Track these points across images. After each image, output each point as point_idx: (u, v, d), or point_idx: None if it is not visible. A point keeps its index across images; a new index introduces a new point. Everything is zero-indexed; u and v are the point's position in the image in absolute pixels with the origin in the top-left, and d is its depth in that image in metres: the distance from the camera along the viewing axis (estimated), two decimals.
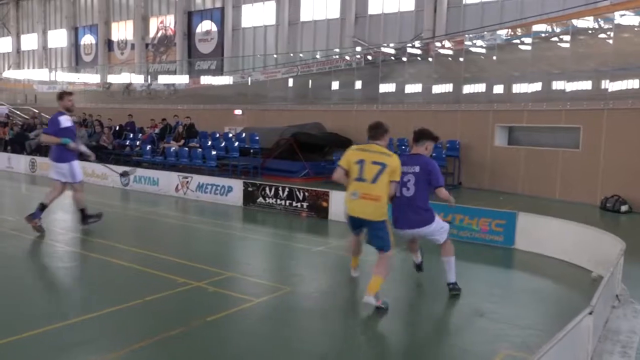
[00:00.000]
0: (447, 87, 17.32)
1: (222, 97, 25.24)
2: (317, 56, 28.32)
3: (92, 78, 40.14)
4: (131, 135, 20.29)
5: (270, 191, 10.69)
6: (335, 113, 19.47)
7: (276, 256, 7.67)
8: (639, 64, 12.91)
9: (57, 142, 7.79)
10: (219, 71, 35.80)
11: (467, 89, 16.60)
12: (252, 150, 16.76)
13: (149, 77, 37.28)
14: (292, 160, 16.79)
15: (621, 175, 12.10)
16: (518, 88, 15.35)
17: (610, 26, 13.69)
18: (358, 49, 27.06)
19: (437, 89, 17.51)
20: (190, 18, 39.71)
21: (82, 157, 8.30)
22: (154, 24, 41.69)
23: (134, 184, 13.06)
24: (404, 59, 20.07)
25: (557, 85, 14.47)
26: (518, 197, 13.44)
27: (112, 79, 37.33)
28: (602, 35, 14.17)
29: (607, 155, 12.47)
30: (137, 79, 37.57)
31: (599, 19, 14.42)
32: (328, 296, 5.67)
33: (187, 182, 12.11)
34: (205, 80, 32.67)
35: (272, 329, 4.68)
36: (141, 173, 13.11)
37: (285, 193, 10.47)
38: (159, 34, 41.92)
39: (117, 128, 21.17)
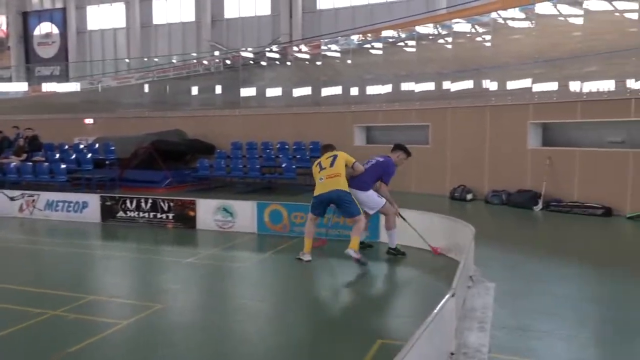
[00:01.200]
0: (307, 90, 17.77)
1: (69, 106, 23.24)
2: (174, 60, 27.33)
3: None
4: None
5: (131, 204, 10.06)
6: (196, 119, 18.97)
7: (143, 272, 7.22)
8: (474, 67, 14.38)
9: None
10: (64, 77, 32.98)
11: (326, 91, 17.19)
12: (107, 162, 15.64)
13: None
14: (153, 170, 16.00)
15: (465, 167, 13.39)
16: (372, 90, 16.26)
17: (449, 32, 15.06)
18: (216, 53, 26.67)
19: (297, 92, 17.88)
20: (26, 19, 36.07)
21: None
22: None
23: None
24: (263, 63, 20.18)
25: (407, 86, 15.58)
26: None
27: None
28: (442, 41, 15.53)
29: (452, 150, 13.72)
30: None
31: (439, 26, 15.80)
32: (203, 309, 5.47)
33: (34, 200, 10.92)
34: (48, 87, 29.76)
35: (145, 351, 4.38)
36: None
37: (149, 205, 9.92)
38: None
39: None
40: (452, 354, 3.84)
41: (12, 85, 32.65)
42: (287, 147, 16.33)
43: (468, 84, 14.35)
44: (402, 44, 16.73)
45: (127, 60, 30.70)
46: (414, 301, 5.86)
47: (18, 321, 4.82)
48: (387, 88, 15.97)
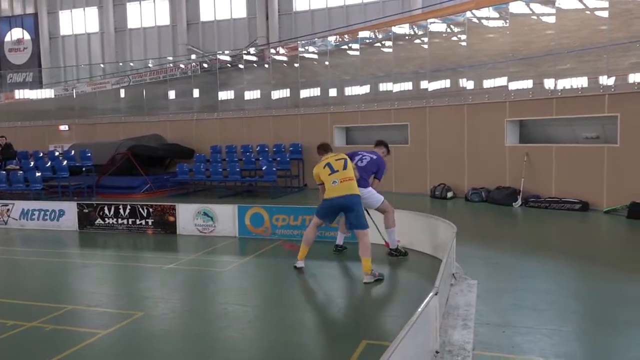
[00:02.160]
0: (285, 93, 17.72)
1: (43, 113, 22.80)
2: (150, 65, 27.01)
3: None
4: None
5: (109, 211, 9.89)
6: (174, 123, 18.78)
7: (123, 280, 7.10)
8: (450, 66, 14.51)
9: None
10: (37, 84, 32.35)
11: (304, 93, 17.17)
12: (84, 169, 15.37)
13: None
14: (131, 176, 15.78)
15: (444, 165, 13.48)
16: (350, 91, 16.29)
17: (424, 32, 15.17)
18: (193, 56, 26.44)
19: (276, 94, 17.82)
20: None
21: None
22: None
23: None
24: (241, 66, 20.08)
25: (385, 87, 15.64)
26: None
27: None
28: (418, 41, 15.63)
29: (432, 148, 13.80)
30: None
31: (414, 26, 15.90)
32: (185, 315, 5.38)
33: (8, 209, 10.66)
34: (21, 94, 29.10)
35: None
36: None
37: (127, 211, 9.77)
38: None
39: None
40: (436, 352, 3.83)
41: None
42: (266, 149, 16.26)
43: (445, 83, 14.47)
44: (379, 44, 16.81)
45: (102, 66, 30.23)
46: (398, 300, 5.86)
47: None
48: (366, 89, 16.02)
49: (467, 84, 13.75)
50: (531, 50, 12.86)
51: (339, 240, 7.76)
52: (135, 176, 15.69)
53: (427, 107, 13.90)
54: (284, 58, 19.32)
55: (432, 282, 4.24)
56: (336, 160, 6.72)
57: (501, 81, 12.94)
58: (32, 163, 15.16)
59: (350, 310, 5.48)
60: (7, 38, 35.15)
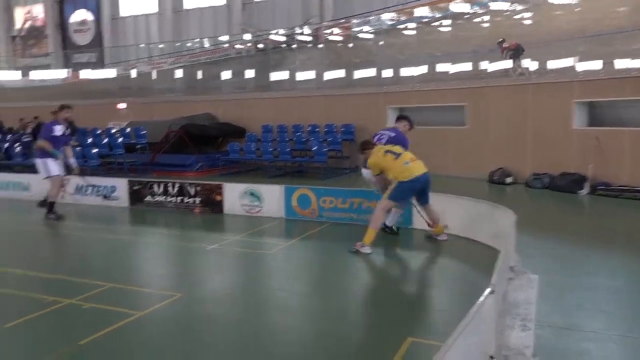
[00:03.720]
0: (338, 73, 17.29)
1: (104, 92, 23.42)
2: (206, 45, 27.19)
3: None
4: None
5: (158, 188, 9.90)
6: (227, 102, 18.75)
7: (165, 259, 7.04)
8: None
9: (49, 150, 8.91)
10: (100, 63, 33.32)
11: (358, 73, 16.68)
12: (138, 146, 15.61)
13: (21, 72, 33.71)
14: (184, 154, 15.90)
15: (504, 148, 12.73)
16: (406, 71, 15.65)
17: (485, 10, 14.32)
18: (247, 36, 26.35)
19: (329, 74, 17.42)
20: (62, 7, 36.56)
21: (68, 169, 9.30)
22: (19, 14, 37.93)
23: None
24: (294, 45, 19.81)
25: (442, 66, 14.92)
26: None
27: None
28: (478, 19, 14.81)
29: (491, 131, 13.06)
30: (5, 75, 33.94)
31: (474, 4, 15.06)
32: (225, 298, 5.19)
33: (64, 185, 10.89)
34: (86, 74, 30.07)
35: (159, 346, 4.13)
36: (9, 178, 11.69)
37: (176, 189, 9.74)
38: (27, 25, 38.20)
39: None
40: (491, 357, 3.43)
41: (52, 72, 33.16)
42: (317, 129, 15.94)
43: (507, 63, 13.61)
44: (436, 23, 16.07)
45: (160, 46, 30.70)
46: (450, 295, 5.42)
47: (31, 310, 4.65)
48: (421, 69, 15.35)
49: (531, 63, 12.87)
50: (602, 27, 11.86)
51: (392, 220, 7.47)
52: (187, 154, 15.81)
53: (487, 87, 13.13)
54: (338, 37, 18.88)
55: (487, 275, 3.82)
56: (392, 146, 6.87)
57: (568, 60, 12.02)
58: (90, 140, 15.51)
59: (397, 302, 5.13)
60: (72, 19, 36.37)
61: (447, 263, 6.48)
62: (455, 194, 7.82)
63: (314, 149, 14.23)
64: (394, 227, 7.42)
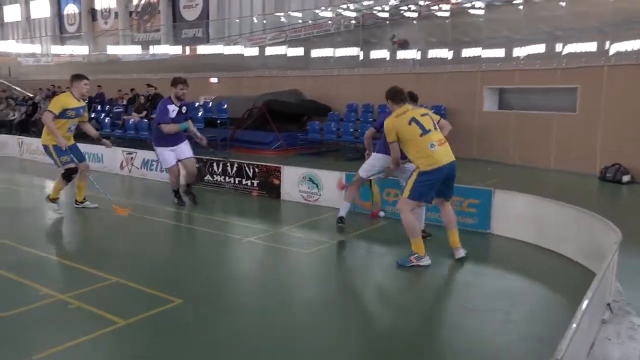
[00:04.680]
0: (432, 49, 15.72)
1: (205, 66, 23.65)
2: (310, 22, 26.52)
3: (78, 49, 38.38)
4: (99, 108, 18.91)
5: (217, 167, 9.34)
6: (315, 79, 17.92)
7: (190, 253, 6.22)
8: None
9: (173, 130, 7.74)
10: (205, 39, 34.04)
11: (452, 49, 14.99)
12: (219, 121, 15.31)
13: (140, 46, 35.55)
14: (264, 131, 15.38)
15: (623, 141, 10.66)
16: (507, 47, 13.74)
17: None
18: (348, 13, 25.15)
19: (420, 51, 15.92)
20: None
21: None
22: None
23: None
24: (387, 22, 18.49)
25: (551, 43, 12.88)
26: (508, 168, 12.08)
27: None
28: None
29: (607, 119, 11.01)
30: (122, 50, 35.99)
31: None
32: (224, 305, 4.37)
33: (132, 158, 10.76)
34: (201, 50, 30.77)
35: None
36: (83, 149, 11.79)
37: (234, 169, 9.12)
38: (143, 1, 40.03)
39: (87, 100, 19.71)
40: None
41: (163, 47, 34.50)
42: None
43: (633, 40, 11.34)
44: None
45: (264, 22, 30.55)
46: (515, 327, 4.14)
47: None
48: (527, 45, 13.37)
49: None
50: None
51: (343, 212, 6.59)
52: (268, 132, 15.26)
53: (606, 67, 11.03)
54: (435, 13, 17.26)
55: (571, 307, 2.61)
56: (422, 115, 5.28)
57: None
58: None
59: (452, 326, 4.01)
60: None
61: (520, 284, 5.11)
62: (553, 192, 6.38)
63: None
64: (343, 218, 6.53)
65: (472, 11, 15.83)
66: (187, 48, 32.44)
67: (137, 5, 39.71)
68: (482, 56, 14.02)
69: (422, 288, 5.10)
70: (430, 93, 14.29)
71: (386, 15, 20.34)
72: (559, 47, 12.47)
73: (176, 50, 32.90)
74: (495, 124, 12.91)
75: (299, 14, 27.64)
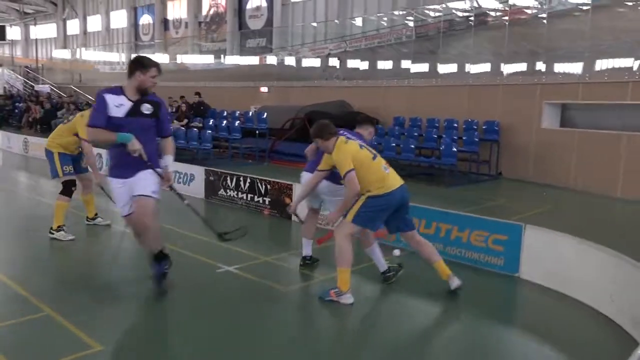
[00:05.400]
0: (487, 60, 14.43)
1: (262, 75, 23.47)
2: (375, 31, 25.80)
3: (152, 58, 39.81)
4: None
5: (231, 182, 8.68)
6: (362, 90, 17.04)
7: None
8: None
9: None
10: (269, 49, 34.13)
11: (510, 60, 13.64)
12: (257, 132, 14.77)
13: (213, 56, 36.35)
14: (305, 143, 14.63)
15: None
16: (571, 58, 12.23)
17: None
18: (410, 23, 24.12)
19: (475, 62, 14.66)
20: None
21: None
22: (206, 1, 40.73)
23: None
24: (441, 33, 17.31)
25: (622, 53, 11.30)
26: (567, 193, 10.64)
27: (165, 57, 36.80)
28: None
29: None
30: (191, 59, 37.04)
31: None
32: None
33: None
34: (254, 60, 30.85)
35: None
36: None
37: (247, 185, 8.42)
38: (211, 11, 40.88)
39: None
40: None
41: (229, 58, 34.92)
42: (455, 125, 13.35)
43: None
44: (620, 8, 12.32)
45: (323, 31, 30.12)
46: None
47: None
48: (593, 57, 11.83)
49: None
50: None
51: (309, 250, 5.77)
52: (309, 144, 14.51)
53: None
54: (494, 21, 15.92)
55: None
56: (364, 144, 5.05)
57: None
58: (211, 122, 15.12)
59: None
60: (249, 5, 37.86)
61: (545, 351, 3.99)
62: (612, 230, 5.18)
63: (442, 148, 11.85)
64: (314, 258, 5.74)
65: (532, 21, 14.40)
66: (256, 58, 32.53)
67: (206, 16, 40.60)
68: (540, 69, 12.61)
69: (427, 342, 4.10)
70: (487, 107, 13.04)
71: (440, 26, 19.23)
72: (630, 57, 10.90)
73: (241, 60, 33.25)
74: (556, 143, 11.46)
75: (360, 24, 26.93)
